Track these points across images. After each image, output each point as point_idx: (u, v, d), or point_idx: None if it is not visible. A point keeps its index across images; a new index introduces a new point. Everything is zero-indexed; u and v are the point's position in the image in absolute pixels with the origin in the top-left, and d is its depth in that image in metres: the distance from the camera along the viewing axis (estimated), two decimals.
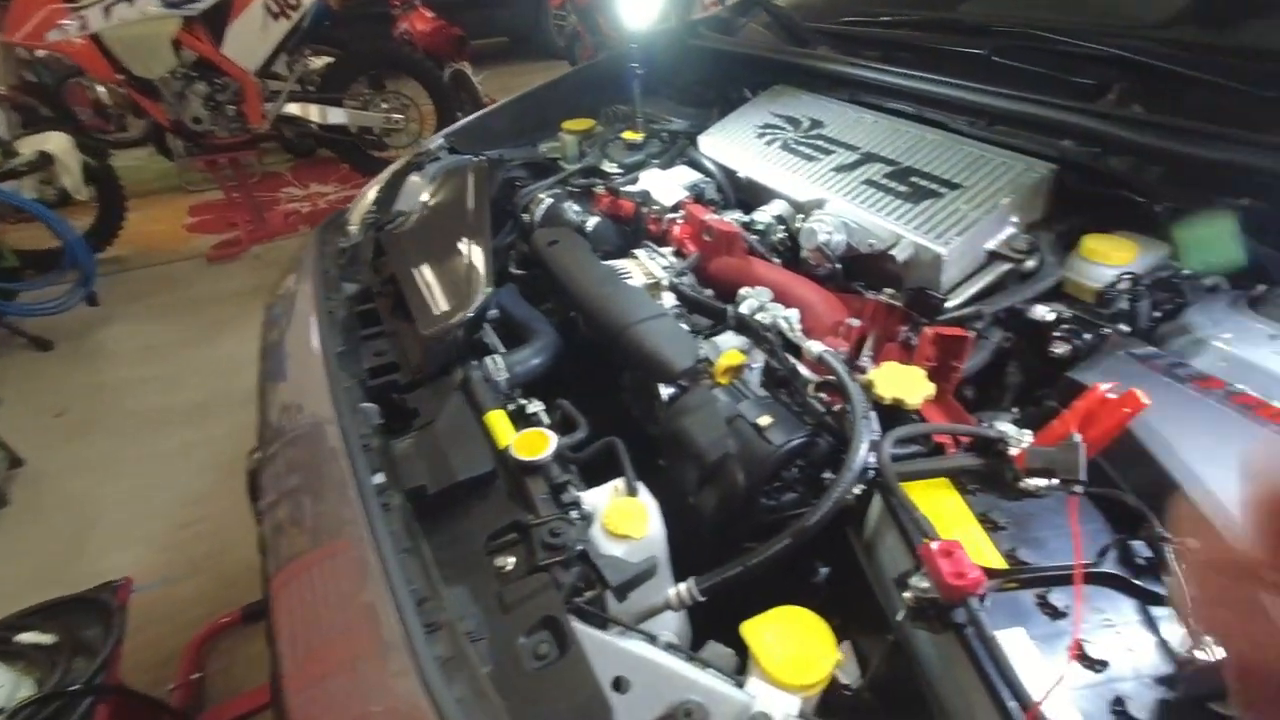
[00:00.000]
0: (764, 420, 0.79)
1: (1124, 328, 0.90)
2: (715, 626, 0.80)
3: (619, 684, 0.62)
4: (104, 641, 1.26)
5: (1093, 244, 0.97)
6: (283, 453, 0.84)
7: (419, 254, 1.24)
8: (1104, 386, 0.62)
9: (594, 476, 0.87)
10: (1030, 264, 1.02)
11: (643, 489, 0.85)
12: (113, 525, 2.21)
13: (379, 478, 0.74)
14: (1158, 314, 0.95)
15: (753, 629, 0.62)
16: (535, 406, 1.00)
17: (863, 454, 0.73)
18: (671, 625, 0.81)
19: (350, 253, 1.43)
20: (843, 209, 1.13)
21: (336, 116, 3.53)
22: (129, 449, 2.53)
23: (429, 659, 0.55)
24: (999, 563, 0.65)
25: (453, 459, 0.85)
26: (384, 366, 1.09)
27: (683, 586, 0.75)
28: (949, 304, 1.00)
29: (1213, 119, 0.93)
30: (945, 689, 0.62)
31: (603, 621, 0.71)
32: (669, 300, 1.11)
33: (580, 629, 0.66)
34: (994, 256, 1.05)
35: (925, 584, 0.61)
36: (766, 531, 0.80)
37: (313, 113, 3.45)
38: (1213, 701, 0.52)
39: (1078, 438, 0.62)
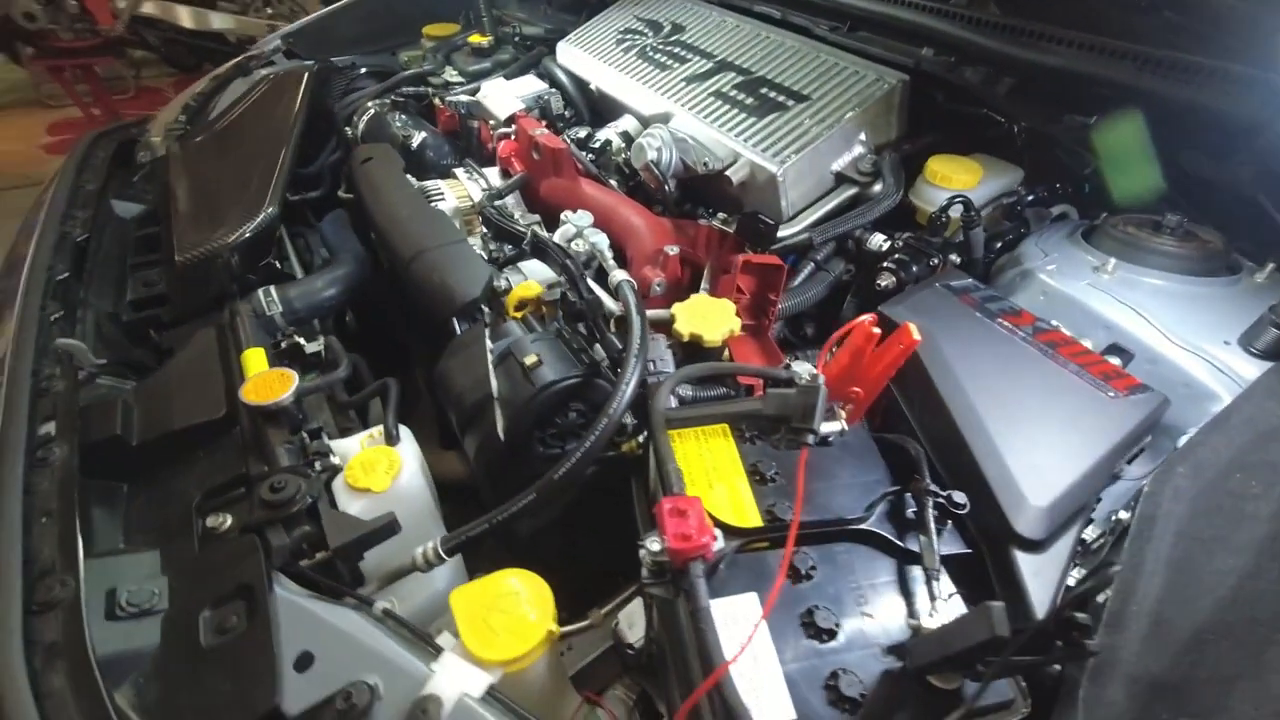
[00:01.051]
0: (530, 359, 0.69)
1: (955, 258, 0.82)
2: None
3: (304, 660, 0.53)
4: None
5: (936, 165, 0.88)
6: None
7: (205, 169, 1.07)
8: (866, 318, 0.54)
9: None
10: (877, 188, 0.93)
11: (408, 438, 0.74)
12: None
13: (48, 427, 0.61)
14: (999, 245, 0.88)
15: (462, 597, 0.54)
16: (316, 345, 0.87)
17: (626, 398, 0.63)
18: (441, 581, 0.73)
19: (147, 168, 1.24)
20: (687, 124, 1.01)
21: (210, 21, 3.11)
22: None
23: (14, 647, 0.44)
24: (755, 520, 0.58)
25: (179, 404, 0.72)
26: (151, 299, 0.94)
27: (429, 545, 0.66)
28: (784, 232, 0.90)
29: (1070, 24, 0.82)
30: (674, 659, 0.55)
31: (334, 589, 0.62)
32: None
33: (285, 598, 0.57)
34: (840, 179, 0.95)
35: (657, 546, 0.53)
36: None
37: (180, 15, 3.02)
38: (932, 674, 0.47)
39: (820, 380, 0.54)
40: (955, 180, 0.86)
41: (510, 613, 0.53)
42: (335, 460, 0.71)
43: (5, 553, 0.49)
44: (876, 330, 0.54)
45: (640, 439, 0.71)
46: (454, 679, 0.49)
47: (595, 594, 0.72)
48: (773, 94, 0.98)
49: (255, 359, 0.79)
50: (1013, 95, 0.88)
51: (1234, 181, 0.73)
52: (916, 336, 0.54)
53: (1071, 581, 0.55)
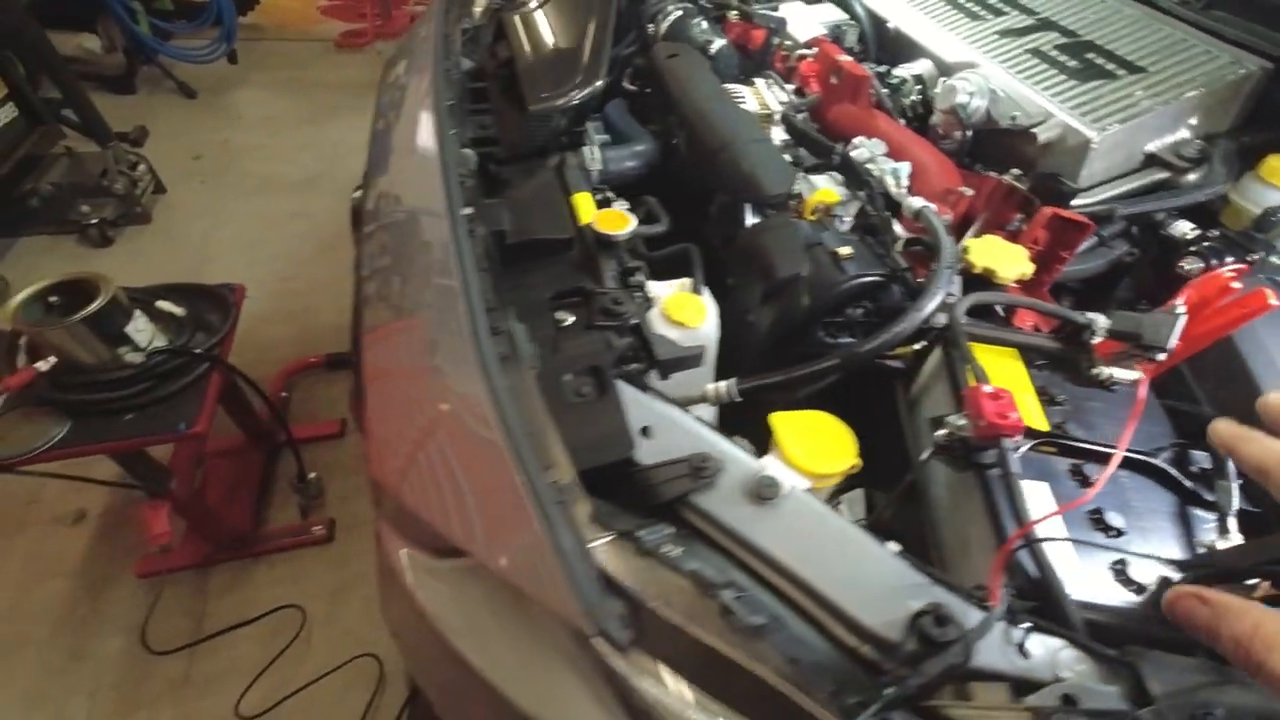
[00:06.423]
0: (844, 250, 0.77)
1: (1276, 260, 0.81)
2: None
3: (646, 430, 0.66)
4: (222, 325, 1.48)
5: (1277, 163, 0.85)
6: (382, 184, 0.90)
7: (537, 37, 1.22)
8: (1228, 272, 0.57)
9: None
10: (1192, 177, 0.91)
11: (707, 294, 0.86)
12: (226, 264, 2.45)
13: (468, 210, 0.78)
14: None
15: (781, 419, 0.65)
16: (621, 205, 1.00)
17: (937, 298, 0.70)
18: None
19: (471, 33, 1.42)
20: (994, 76, 1.02)
21: None
22: (245, 204, 2.74)
23: (489, 352, 0.60)
24: (1045, 426, 0.64)
25: (535, 220, 0.88)
26: (486, 139, 1.11)
27: (722, 384, 0.77)
28: (1081, 200, 0.91)
29: None
30: (947, 525, 0.63)
31: (644, 390, 0.75)
32: (779, 135, 1.06)
33: (620, 385, 0.71)
34: (1151, 160, 0.94)
35: (962, 422, 0.61)
36: None
37: None
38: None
39: (1181, 308, 0.58)
40: None
41: (823, 440, 0.63)
42: (650, 295, 0.84)
43: (474, 288, 0.65)
44: (1237, 285, 0.57)
45: (916, 346, 0.77)
46: (784, 477, 0.61)
47: None
48: (1100, 60, 0.97)
49: (585, 201, 0.93)
50: None
51: None
52: (1274, 303, 0.57)
53: None
